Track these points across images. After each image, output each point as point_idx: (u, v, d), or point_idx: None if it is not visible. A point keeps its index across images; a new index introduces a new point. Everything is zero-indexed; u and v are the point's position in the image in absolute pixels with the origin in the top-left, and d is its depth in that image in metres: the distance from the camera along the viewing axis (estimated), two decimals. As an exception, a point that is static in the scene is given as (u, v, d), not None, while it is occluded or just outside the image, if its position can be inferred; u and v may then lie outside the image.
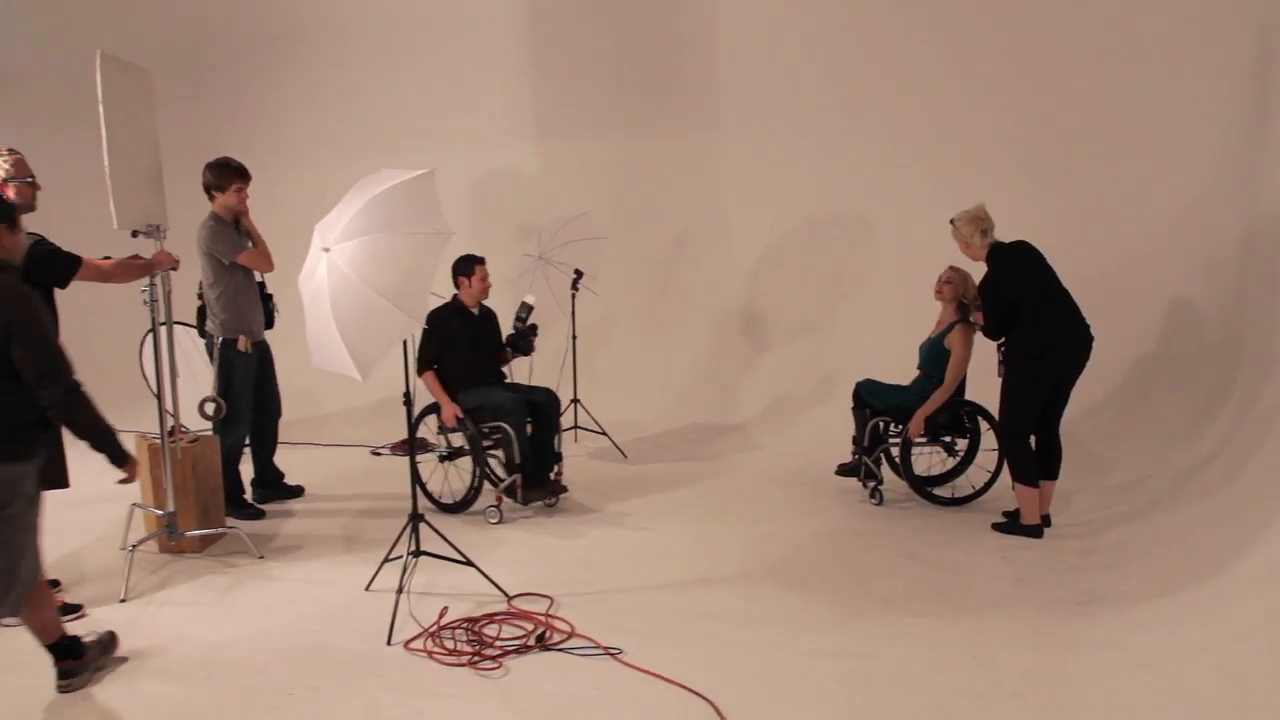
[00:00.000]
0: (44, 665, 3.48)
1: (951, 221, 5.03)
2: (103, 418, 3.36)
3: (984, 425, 5.38)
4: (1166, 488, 5.21)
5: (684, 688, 3.34)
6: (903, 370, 5.65)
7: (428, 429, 5.68)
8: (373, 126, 8.85)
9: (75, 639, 3.53)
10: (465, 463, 5.63)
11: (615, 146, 8.32)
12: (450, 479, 5.68)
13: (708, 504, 5.63)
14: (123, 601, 4.30)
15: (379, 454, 7.07)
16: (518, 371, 6.24)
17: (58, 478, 4.12)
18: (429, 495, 5.65)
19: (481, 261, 5.70)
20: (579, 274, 6.92)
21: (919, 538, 4.90)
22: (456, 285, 5.71)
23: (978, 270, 5.12)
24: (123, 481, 3.52)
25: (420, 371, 5.52)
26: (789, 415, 7.30)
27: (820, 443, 6.42)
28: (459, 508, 5.54)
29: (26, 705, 3.39)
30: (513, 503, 5.48)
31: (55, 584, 4.32)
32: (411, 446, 4.42)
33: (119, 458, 3.44)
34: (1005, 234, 5.03)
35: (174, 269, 4.73)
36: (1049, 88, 6.89)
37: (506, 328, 5.86)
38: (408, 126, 8.73)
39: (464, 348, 5.61)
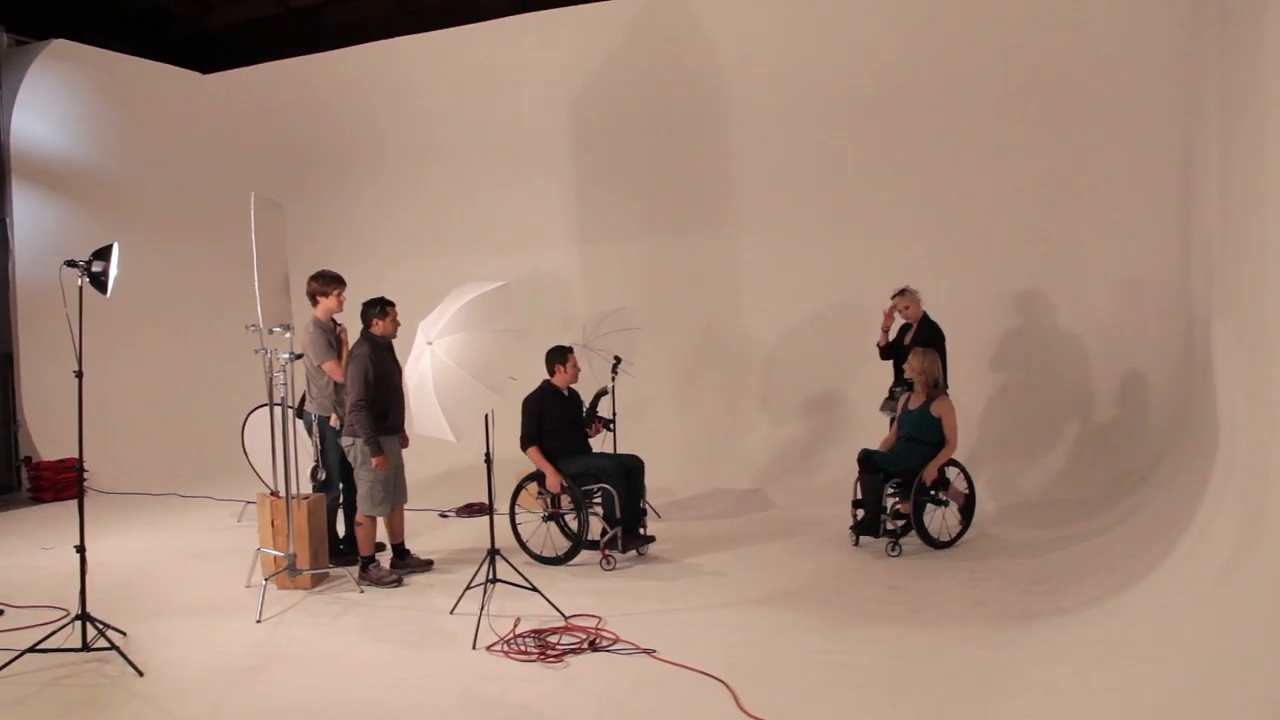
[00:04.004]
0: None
1: (908, 290, 7.03)
2: (372, 426, 5.85)
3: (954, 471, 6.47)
4: (1116, 533, 6.17)
5: (705, 674, 4.36)
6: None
7: (529, 495, 6.51)
8: (438, 232, 10.26)
9: (405, 550, 6.31)
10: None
11: (647, 248, 9.65)
12: (544, 536, 6.45)
13: (728, 551, 6.63)
14: (259, 622, 5.39)
15: (445, 516, 8.16)
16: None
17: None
18: (528, 550, 6.32)
19: (571, 350, 6.66)
20: (618, 360, 7.85)
21: (904, 574, 5.88)
22: (552, 371, 6.54)
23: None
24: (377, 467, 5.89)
25: (526, 447, 6.32)
26: (799, 479, 8.34)
27: (825, 501, 7.45)
28: (561, 561, 6.29)
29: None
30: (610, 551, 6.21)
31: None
32: (490, 497, 5.49)
33: (376, 451, 5.83)
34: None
35: None
36: (1023, 195, 8.11)
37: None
38: (468, 231, 10.12)
39: (560, 423, 6.46)
